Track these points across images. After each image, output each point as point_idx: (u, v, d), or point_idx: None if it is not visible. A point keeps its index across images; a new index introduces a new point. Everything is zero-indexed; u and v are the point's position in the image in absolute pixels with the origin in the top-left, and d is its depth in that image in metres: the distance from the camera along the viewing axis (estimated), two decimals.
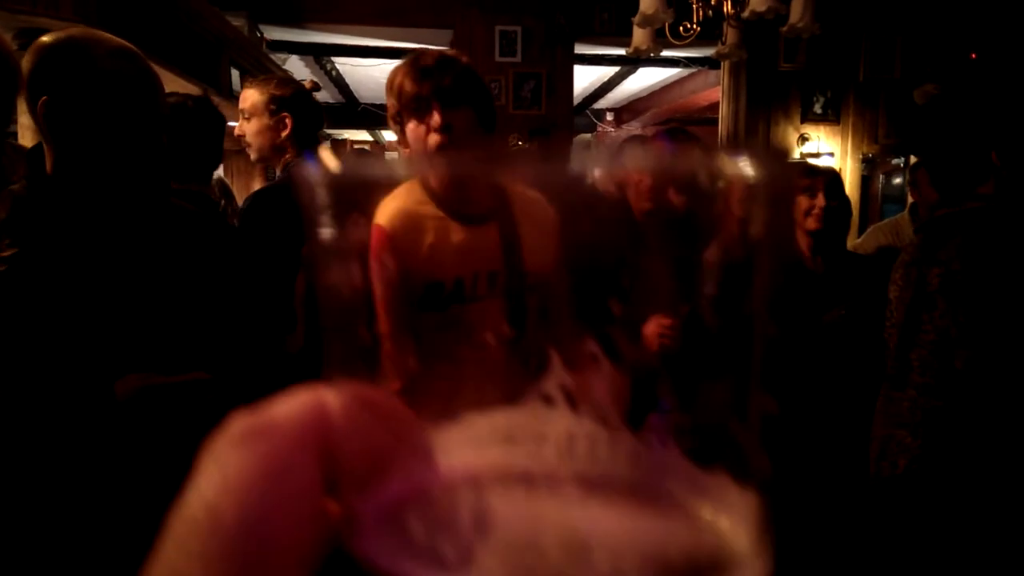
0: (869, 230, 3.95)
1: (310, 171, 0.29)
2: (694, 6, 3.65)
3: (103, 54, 1.26)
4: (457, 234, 1.58)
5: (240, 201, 3.48)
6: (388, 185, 0.32)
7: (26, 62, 1.24)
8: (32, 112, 1.25)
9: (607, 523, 0.28)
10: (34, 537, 1.08)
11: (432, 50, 1.57)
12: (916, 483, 1.77)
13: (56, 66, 1.24)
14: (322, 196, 0.30)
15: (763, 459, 0.28)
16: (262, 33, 5.70)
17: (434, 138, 1.51)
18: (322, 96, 9.21)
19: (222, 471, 0.24)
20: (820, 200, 2.31)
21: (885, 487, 1.84)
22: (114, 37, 1.31)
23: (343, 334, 0.31)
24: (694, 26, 3.70)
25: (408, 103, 1.52)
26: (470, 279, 1.51)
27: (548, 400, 0.32)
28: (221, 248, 1.49)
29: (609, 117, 10.44)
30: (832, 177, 2.40)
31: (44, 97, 1.23)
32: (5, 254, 1.17)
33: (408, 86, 1.52)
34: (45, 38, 1.26)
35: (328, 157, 0.29)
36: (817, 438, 2.21)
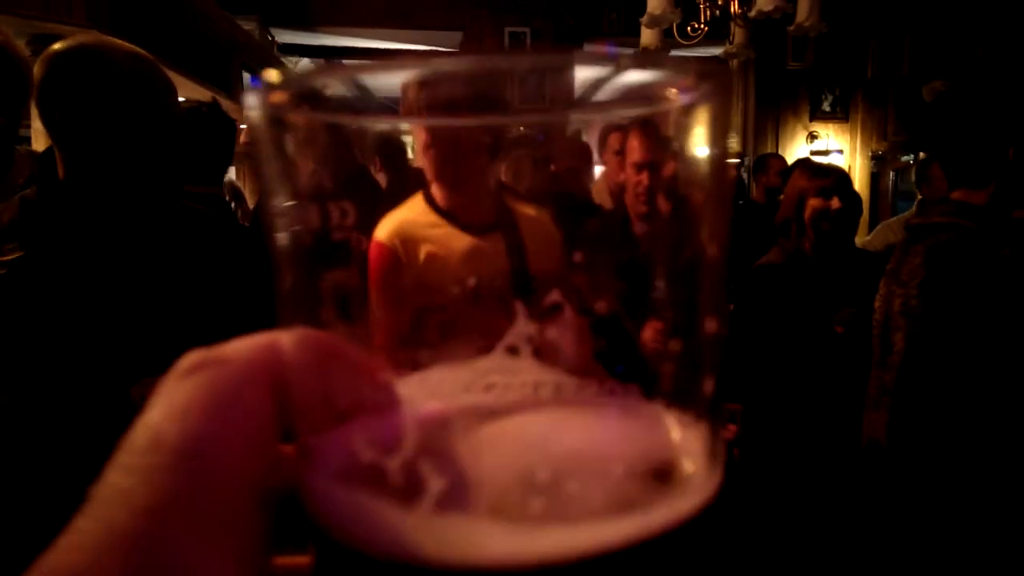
0: (879, 227, 3.96)
1: (252, 97, 0.26)
2: (701, 6, 3.67)
3: (115, 61, 1.27)
4: (464, 242, 1.61)
5: (251, 203, 3.53)
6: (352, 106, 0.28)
7: (38, 70, 1.24)
8: (44, 119, 1.26)
9: (569, 437, 0.30)
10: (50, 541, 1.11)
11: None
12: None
13: (68, 74, 1.25)
14: (271, 129, 0.27)
15: (709, 383, 0.29)
16: (273, 37, 5.76)
17: None
18: None
19: (168, 398, 0.24)
20: (835, 202, 2.31)
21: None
22: (127, 44, 1.32)
23: (303, 288, 0.29)
24: (702, 26, 3.72)
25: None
26: (474, 283, 1.55)
27: (514, 352, 0.32)
28: (233, 250, 1.51)
29: None
30: (840, 177, 2.39)
31: (55, 105, 1.24)
32: (8, 258, 1.18)
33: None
34: (57, 46, 1.27)
35: (271, 73, 0.25)
36: (821, 434, 2.23)
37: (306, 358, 0.26)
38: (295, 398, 0.25)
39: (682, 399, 0.30)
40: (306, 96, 0.27)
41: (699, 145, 0.27)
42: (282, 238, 0.28)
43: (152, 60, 1.33)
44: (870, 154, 6.03)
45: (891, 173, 6.12)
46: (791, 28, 3.67)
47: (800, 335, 2.28)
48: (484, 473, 0.27)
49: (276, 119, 0.27)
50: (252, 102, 0.26)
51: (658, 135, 0.30)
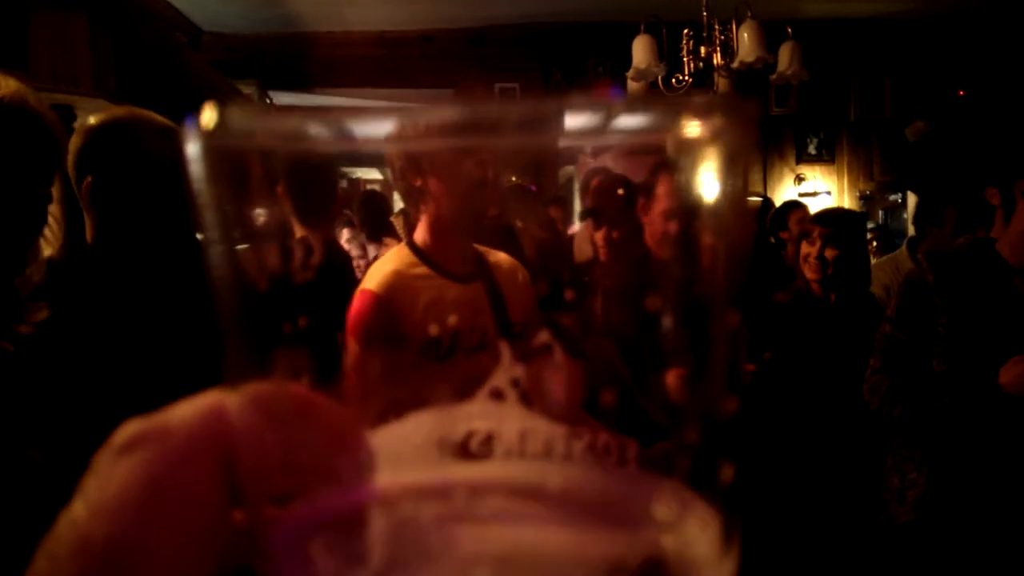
0: (872, 268, 4.01)
1: (189, 135, 0.24)
2: (685, 59, 3.80)
3: (147, 135, 1.34)
4: (450, 291, 1.63)
5: None
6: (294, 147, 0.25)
7: (75, 140, 1.32)
8: (76, 188, 1.33)
9: (552, 537, 0.26)
10: None
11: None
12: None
13: (102, 146, 1.32)
14: (205, 168, 0.25)
15: (726, 468, 0.25)
16: (271, 99, 5.92)
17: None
18: None
19: (100, 485, 0.21)
20: (828, 251, 2.38)
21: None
22: (157, 116, 1.39)
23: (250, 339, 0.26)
24: (686, 78, 3.85)
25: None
26: (466, 331, 1.57)
27: (499, 396, 0.29)
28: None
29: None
30: (837, 230, 2.41)
31: (89, 176, 1.31)
32: (37, 318, 1.23)
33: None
34: (92, 120, 1.36)
35: (210, 112, 0.23)
36: (831, 471, 2.25)
37: (256, 421, 0.23)
38: (244, 467, 0.23)
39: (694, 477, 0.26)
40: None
41: (716, 186, 0.25)
42: (230, 281, 0.25)
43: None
44: (858, 194, 6.14)
45: (880, 212, 6.22)
46: (773, 77, 3.79)
47: (795, 373, 2.32)
48: (447, 560, 0.24)
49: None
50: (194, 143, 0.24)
51: (673, 179, 0.27)
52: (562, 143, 0.27)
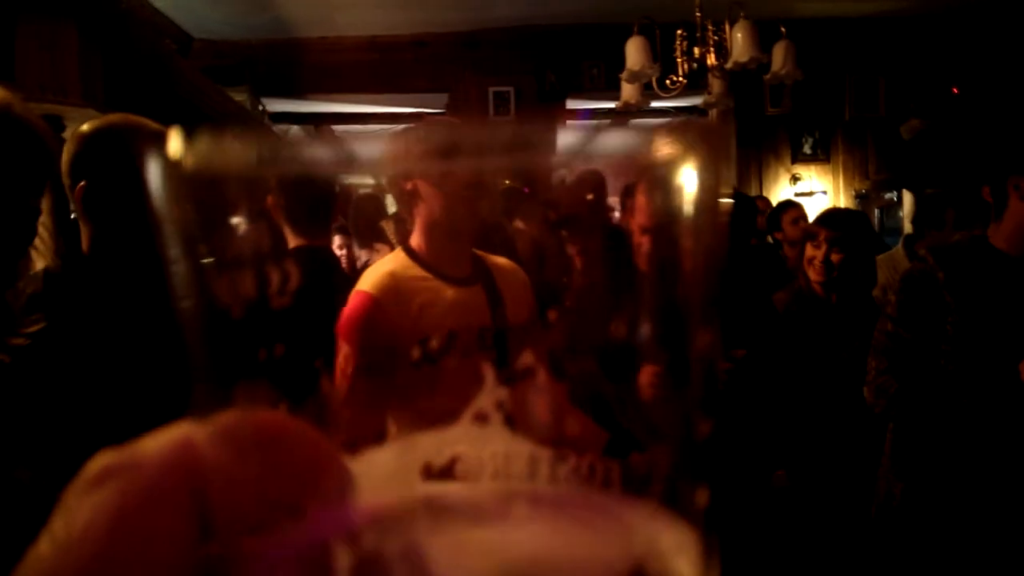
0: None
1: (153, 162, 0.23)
2: (679, 60, 3.79)
3: (142, 141, 1.33)
4: (448, 293, 1.62)
5: None
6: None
7: (69, 147, 1.31)
8: (71, 194, 1.32)
9: (538, 551, 0.26)
10: None
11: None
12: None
13: (96, 152, 1.31)
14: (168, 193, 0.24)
15: (701, 490, 0.26)
16: (264, 106, 5.89)
17: None
18: None
19: (68, 520, 0.21)
20: (820, 253, 2.38)
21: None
22: (152, 123, 1.38)
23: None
24: (680, 79, 3.83)
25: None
26: (464, 333, 1.56)
27: (483, 419, 0.29)
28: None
29: None
30: (844, 233, 2.40)
31: (83, 182, 1.30)
32: (32, 329, 1.22)
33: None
34: (85, 127, 1.34)
35: (175, 139, 0.23)
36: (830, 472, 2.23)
37: (226, 452, 0.22)
38: (216, 499, 0.22)
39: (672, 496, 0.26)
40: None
41: (689, 199, 0.25)
42: (207, 305, 0.25)
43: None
44: (853, 193, 6.14)
45: (875, 211, 6.22)
46: (767, 77, 3.78)
47: (795, 373, 2.30)
48: None
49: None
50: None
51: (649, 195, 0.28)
52: (540, 164, 0.28)
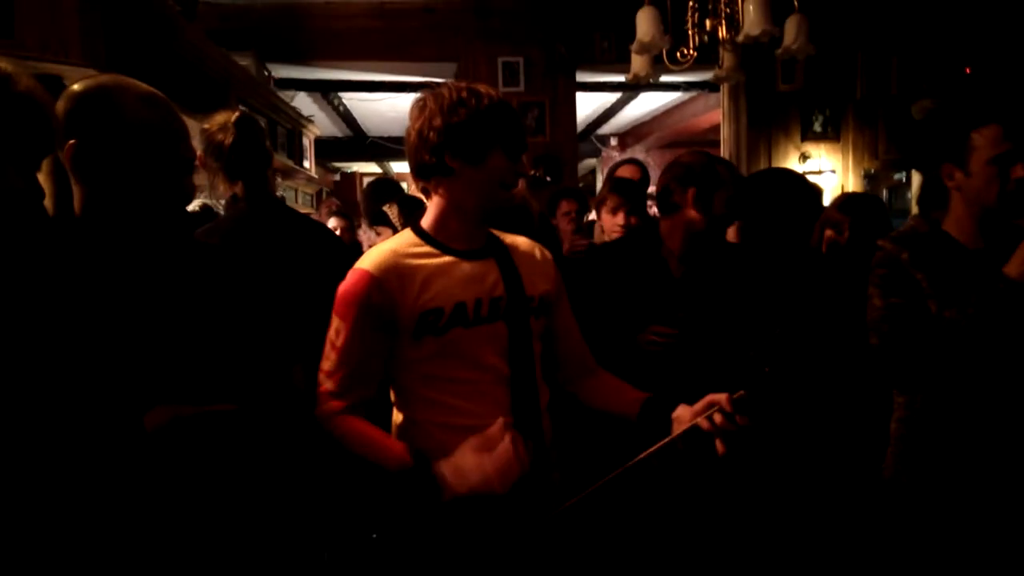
0: None
1: None
2: (690, 32, 3.73)
3: (131, 101, 1.32)
4: (455, 266, 1.59)
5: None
6: None
7: (59, 107, 1.29)
8: (63, 153, 1.31)
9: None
10: (63, 568, 1.12)
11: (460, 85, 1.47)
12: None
13: (86, 113, 1.30)
14: None
15: None
16: (269, 71, 5.84)
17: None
18: (331, 130, 9.34)
19: None
20: (843, 235, 2.49)
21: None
22: (142, 84, 1.38)
23: None
24: (691, 52, 3.77)
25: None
26: (472, 304, 1.54)
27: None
28: (244, 281, 1.55)
29: (613, 142, 10.53)
30: (856, 212, 2.51)
31: (73, 140, 1.29)
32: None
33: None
34: (76, 86, 1.33)
35: None
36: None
37: None
38: None
39: None
40: None
41: None
42: None
43: (166, 101, 1.40)
44: (862, 173, 6.08)
45: (884, 191, 6.16)
46: (779, 51, 3.72)
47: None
48: None
49: None
50: None
51: None
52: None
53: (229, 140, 2.12)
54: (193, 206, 5.20)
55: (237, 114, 2.20)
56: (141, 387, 1.24)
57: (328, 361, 1.46)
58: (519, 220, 1.95)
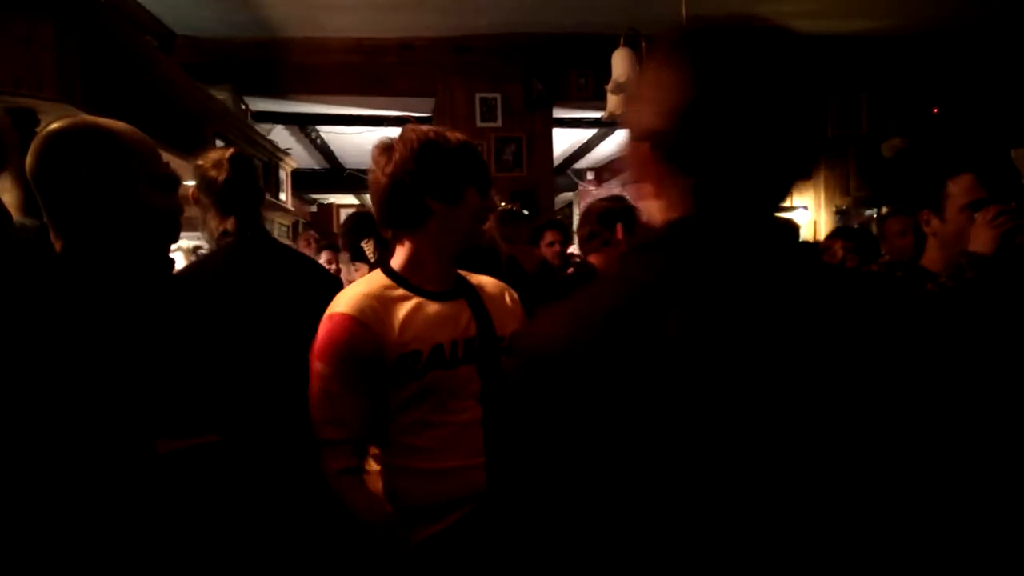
0: None
1: None
2: None
3: (107, 142, 1.33)
4: (430, 308, 1.59)
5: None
6: None
7: (35, 147, 1.30)
8: (42, 195, 1.31)
9: None
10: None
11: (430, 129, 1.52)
12: None
13: (65, 151, 1.30)
14: None
15: None
16: (247, 104, 5.83)
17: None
18: (307, 162, 9.33)
19: None
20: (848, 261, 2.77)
21: None
22: (118, 123, 1.38)
23: None
24: None
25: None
26: (448, 345, 1.52)
27: None
28: (225, 312, 1.54)
29: (590, 176, 10.62)
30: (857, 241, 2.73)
31: (55, 180, 1.30)
32: None
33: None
34: (54, 125, 1.33)
35: None
36: None
37: None
38: None
39: None
40: None
41: None
42: None
43: (144, 138, 1.40)
44: (834, 209, 6.18)
45: (855, 227, 6.27)
46: None
47: None
48: None
49: None
50: None
51: None
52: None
53: (223, 176, 2.11)
54: (188, 244, 5.17)
55: (232, 151, 2.20)
56: (125, 422, 1.22)
57: (321, 409, 1.43)
58: (486, 261, 1.96)
